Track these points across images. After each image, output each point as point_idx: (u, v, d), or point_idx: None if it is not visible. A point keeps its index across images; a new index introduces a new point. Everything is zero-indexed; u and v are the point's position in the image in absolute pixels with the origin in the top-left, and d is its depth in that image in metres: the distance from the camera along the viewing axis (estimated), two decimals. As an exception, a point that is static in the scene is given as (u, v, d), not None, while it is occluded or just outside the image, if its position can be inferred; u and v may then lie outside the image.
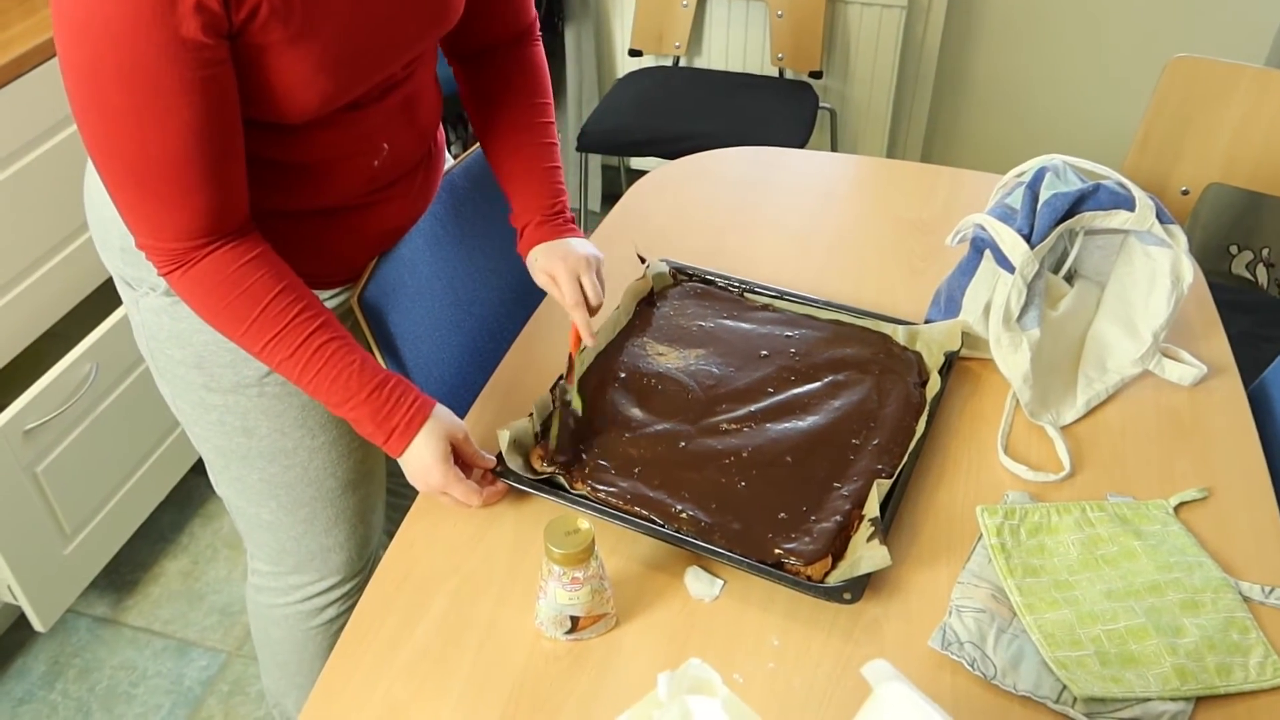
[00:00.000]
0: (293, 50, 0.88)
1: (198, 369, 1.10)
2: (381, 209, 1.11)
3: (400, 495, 1.40)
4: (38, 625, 1.69)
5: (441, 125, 1.19)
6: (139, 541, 2.01)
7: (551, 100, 1.21)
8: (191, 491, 2.11)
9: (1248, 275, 2.50)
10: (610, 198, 3.01)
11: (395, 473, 1.09)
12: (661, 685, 0.66)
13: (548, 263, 1.13)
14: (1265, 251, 2.45)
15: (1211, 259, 2.55)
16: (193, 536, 2.04)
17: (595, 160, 2.90)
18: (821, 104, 2.54)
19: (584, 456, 1.07)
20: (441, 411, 1.02)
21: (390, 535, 1.07)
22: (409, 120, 1.08)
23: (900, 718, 0.64)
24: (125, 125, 0.84)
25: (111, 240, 1.06)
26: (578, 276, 1.11)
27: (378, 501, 1.30)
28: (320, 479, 1.18)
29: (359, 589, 1.30)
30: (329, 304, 1.14)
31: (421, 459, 1.00)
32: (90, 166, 1.06)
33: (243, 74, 0.88)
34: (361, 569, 1.30)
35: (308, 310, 0.97)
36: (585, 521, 0.88)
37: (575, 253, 1.13)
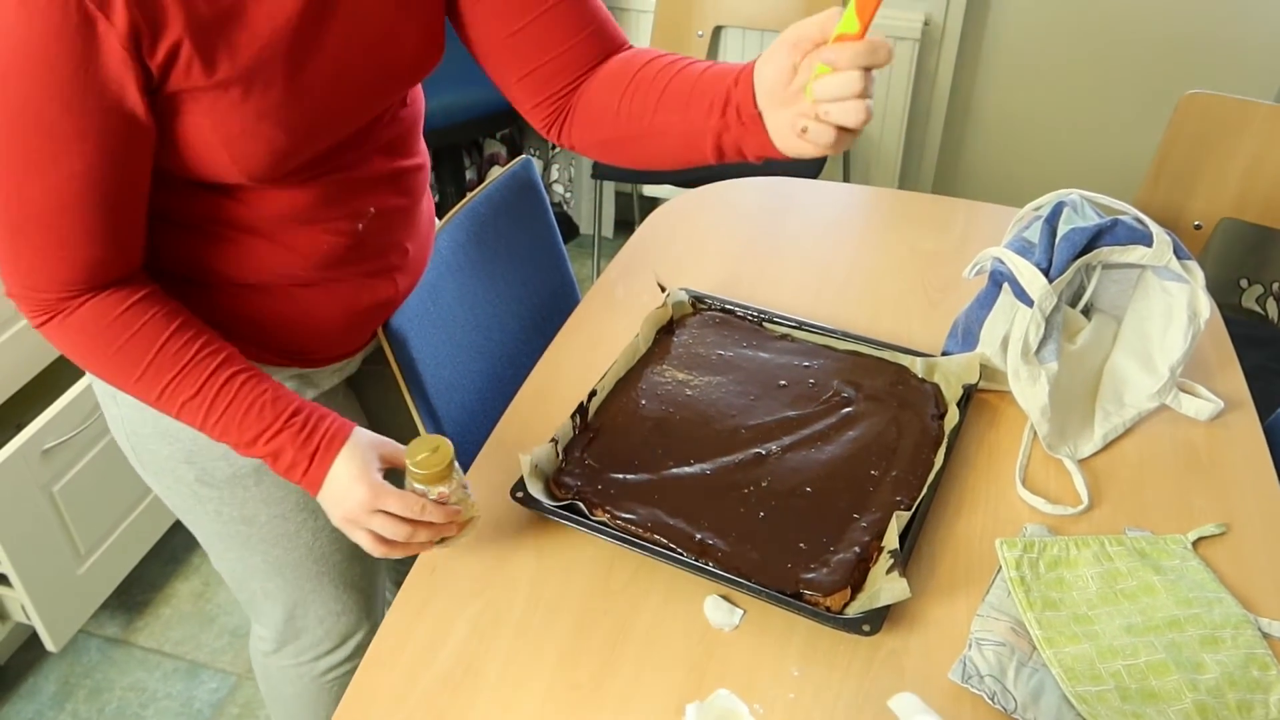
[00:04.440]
0: (225, 96, 0.80)
1: (188, 464, 1.03)
2: (360, 282, 1.03)
3: None
4: (49, 645, 1.69)
5: (430, 191, 1.12)
6: (151, 562, 2.02)
7: (678, 56, 0.94)
8: (203, 512, 2.11)
9: (1258, 309, 2.51)
10: (622, 224, 3.03)
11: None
12: (690, 716, 0.66)
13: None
14: (1276, 286, 2.45)
15: (1222, 292, 2.56)
16: (204, 558, 2.04)
17: (609, 187, 2.92)
18: (834, 134, 2.56)
19: (604, 483, 1.07)
20: (365, 431, 0.95)
21: (397, 585, 1.05)
22: (392, 183, 1.01)
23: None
24: (5, 166, 0.77)
25: None
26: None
27: (381, 562, 1.27)
28: (326, 555, 1.15)
29: (368, 638, 1.27)
30: (327, 381, 1.10)
31: (348, 474, 0.90)
32: None
33: (174, 129, 0.81)
34: (369, 623, 1.27)
35: (209, 345, 0.89)
36: (443, 438, 0.92)
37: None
